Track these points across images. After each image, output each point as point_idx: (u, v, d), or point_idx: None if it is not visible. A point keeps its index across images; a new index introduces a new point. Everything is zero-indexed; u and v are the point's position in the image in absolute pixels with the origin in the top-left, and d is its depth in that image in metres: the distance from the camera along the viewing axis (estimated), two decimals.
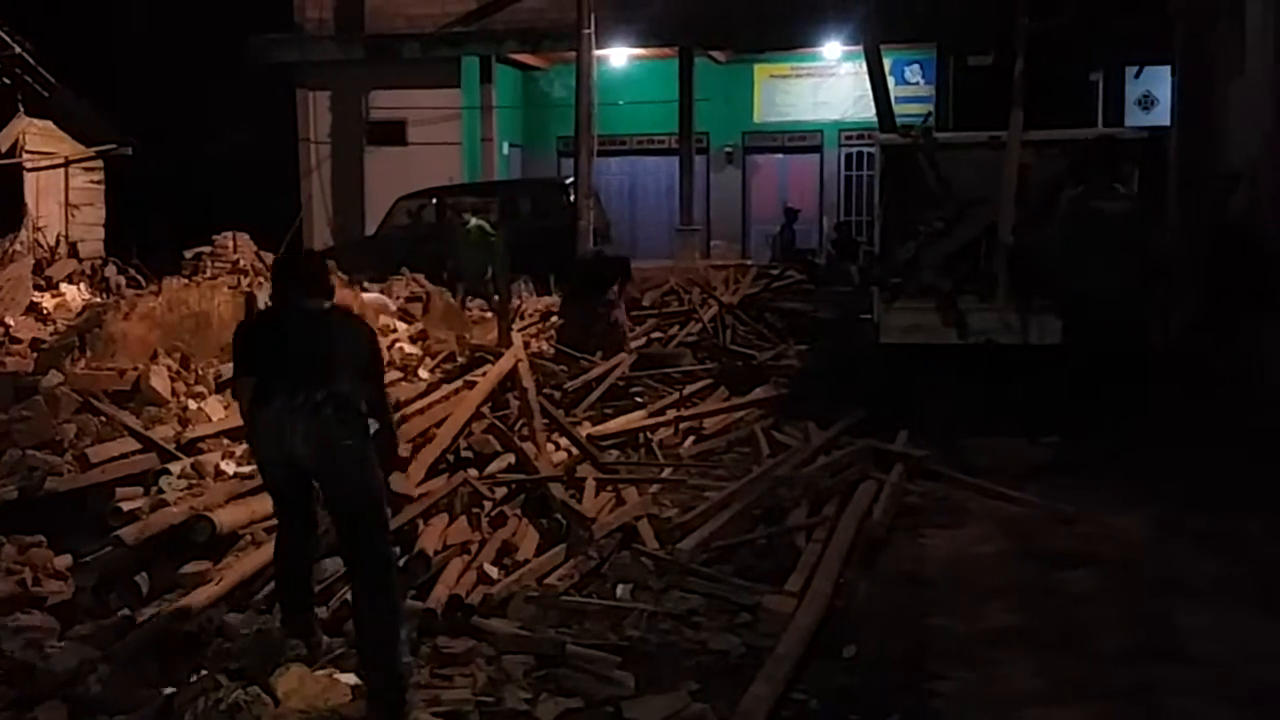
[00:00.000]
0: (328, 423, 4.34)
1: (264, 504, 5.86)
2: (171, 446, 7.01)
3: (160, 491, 6.42)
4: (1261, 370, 8.55)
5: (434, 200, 18.67)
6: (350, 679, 4.46)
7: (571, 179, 18.03)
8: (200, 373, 8.87)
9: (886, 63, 13.79)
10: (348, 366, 4.50)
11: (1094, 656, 4.79)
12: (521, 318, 13.02)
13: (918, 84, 21.36)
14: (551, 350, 10.84)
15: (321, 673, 4.46)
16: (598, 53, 18.35)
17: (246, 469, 6.69)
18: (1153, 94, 19.48)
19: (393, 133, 21.33)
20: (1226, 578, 5.63)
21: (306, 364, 4.48)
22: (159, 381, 8.29)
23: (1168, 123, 13.52)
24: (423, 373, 9.67)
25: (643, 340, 11.56)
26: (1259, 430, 7.64)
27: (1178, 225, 10.32)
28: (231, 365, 4.97)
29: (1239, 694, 4.44)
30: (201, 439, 7.34)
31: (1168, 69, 13.83)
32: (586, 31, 17.50)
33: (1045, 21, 10.70)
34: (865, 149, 21.16)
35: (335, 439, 4.35)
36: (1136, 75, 19.22)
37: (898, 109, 12.90)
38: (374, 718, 4.24)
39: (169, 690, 4.43)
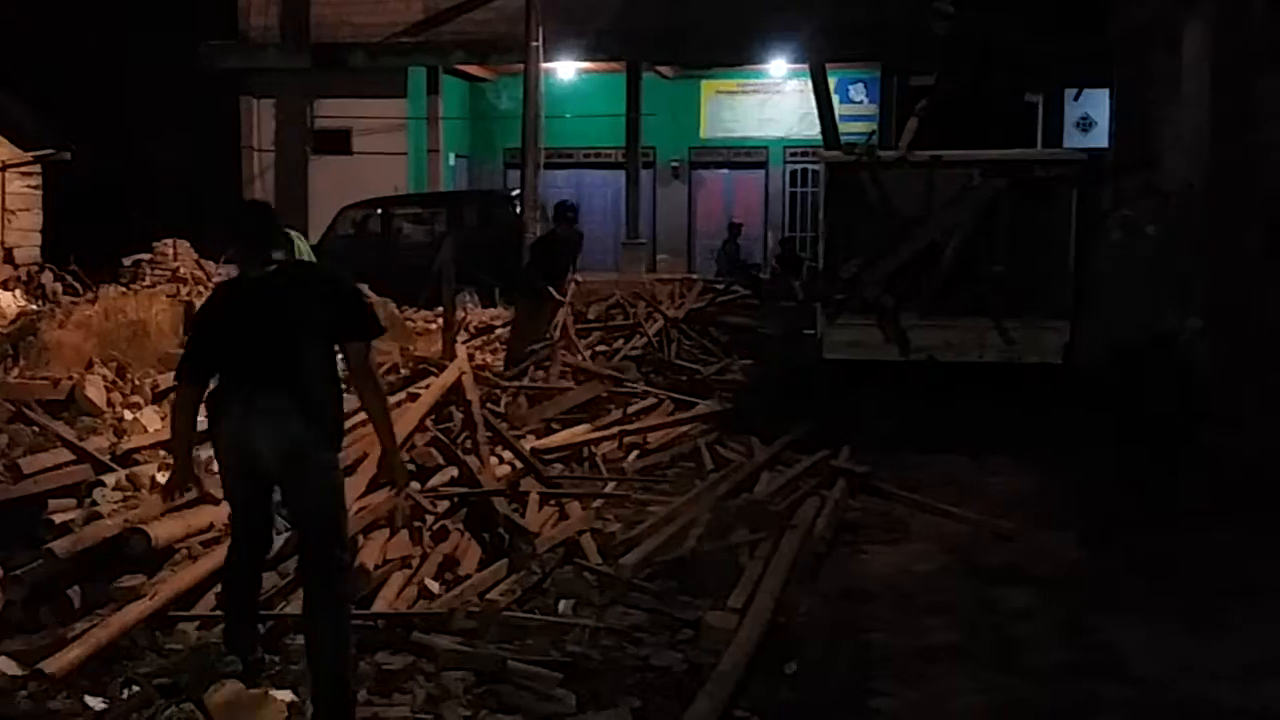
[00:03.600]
0: (294, 430, 4.19)
1: (200, 517, 5.80)
2: (106, 458, 6.89)
3: (94, 504, 6.30)
4: (1193, 391, 8.70)
5: (379, 211, 18.57)
6: (287, 696, 4.39)
7: (518, 191, 18.00)
8: (137, 383, 8.74)
9: (831, 81, 13.92)
10: (313, 343, 4.29)
11: (1031, 673, 4.85)
12: (466, 330, 12.95)
13: (862, 103, 21.56)
14: (499, 364, 10.79)
15: (257, 690, 4.39)
16: (545, 66, 18.34)
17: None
18: (1091, 116, 19.81)
19: (338, 142, 21.19)
20: (1158, 595, 5.73)
21: (266, 360, 4.27)
22: (94, 391, 8.16)
23: (1106, 145, 13.77)
24: None
25: (587, 354, 11.53)
26: (1189, 450, 7.79)
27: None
28: (178, 364, 4.61)
29: (1172, 711, 4.51)
30: (137, 450, 7.22)
31: (1106, 92, 14.07)
32: (534, 44, 17.49)
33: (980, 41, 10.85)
34: (810, 166, 21.31)
35: (301, 446, 4.21)
36: (1076, 97, 19.54)
37: (842, 127, 13.00)
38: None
39: (101, 706, 4.35)
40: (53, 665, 4.44)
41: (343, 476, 4.52)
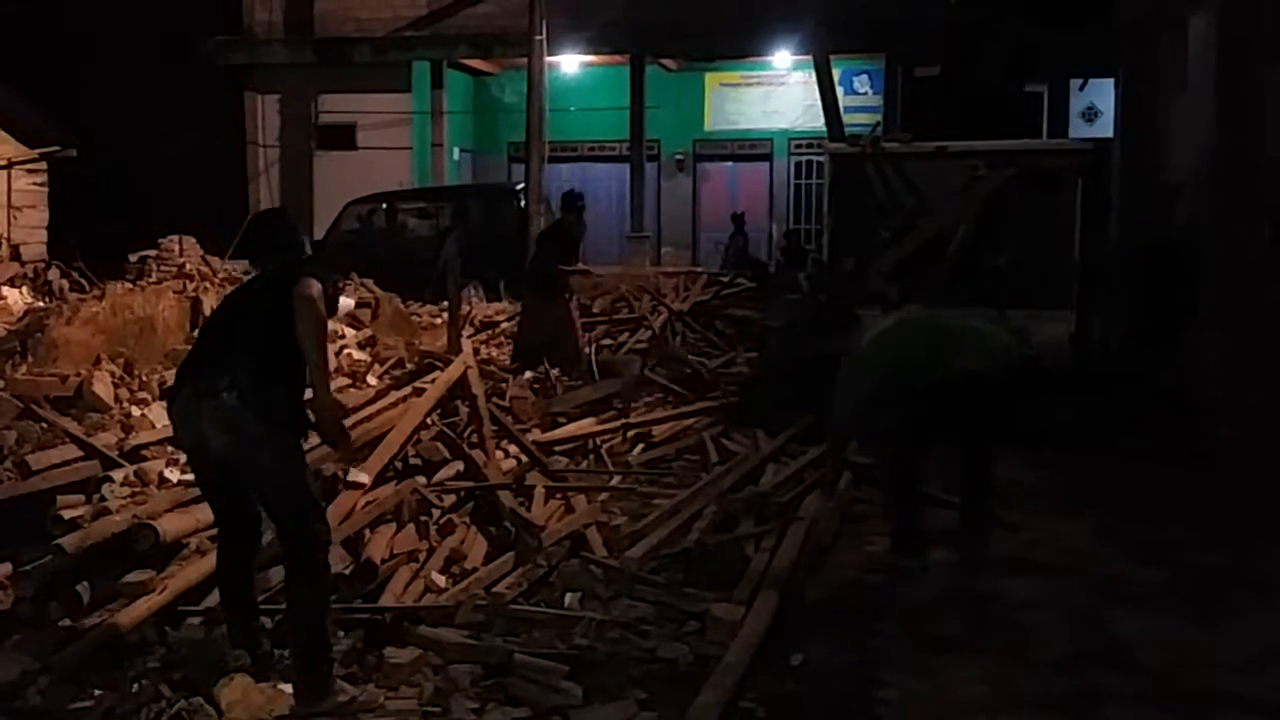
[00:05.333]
0: (230, 410, 4.31)
1: (208, 512, 5.80)
2: (114, 454, 6.91)
3: (102, 499, 6.32)
4: (1198, 383, 8.70)
5: (384, 205, 18.60)
6: None
7: (522, 185, 18.01)
8: (144, 379, 8.75)
9: (835, 73, 13.92)
10: (259, 339, 4.40)
11: (1037, 664, 4.86)
12: (471, 324, 12.96)
13: (866, 94, 21.51)
14: (504, 359, 10.78)
15: (265, 684, 4.41)
16: (549, 59, 18.33)
17: (190, 476, 6.61)
18: (1096, 106, 19.77)
19: (342, 137, 21.20)
20: (1165, 585, 5.73)
21: (212, 347, 4.52)
22: (102, 387, 8.17)
23: (1111, 135, 13.74)
24: (371, 379, 9.60)
25: (592, 348, 11.53)
26: (1197, 441, 7.78)
27: (1119, 237, 10.48)
28: None
29: (1178, 702, 4.51)
30: (145, 446, 7.22)
31: (1111, 81, 14.03)
32: (538, 38, 17.49)
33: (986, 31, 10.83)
34: (815, 158, 21.28)
35: (240, 425, 4.31)
36: (1081, 87, 19.50)
37: (846, 119, 13.01)
38: (300, 695, 4.27)
39: (110, 700, 4.37)
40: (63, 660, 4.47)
41: (303, 457, 4.57)
